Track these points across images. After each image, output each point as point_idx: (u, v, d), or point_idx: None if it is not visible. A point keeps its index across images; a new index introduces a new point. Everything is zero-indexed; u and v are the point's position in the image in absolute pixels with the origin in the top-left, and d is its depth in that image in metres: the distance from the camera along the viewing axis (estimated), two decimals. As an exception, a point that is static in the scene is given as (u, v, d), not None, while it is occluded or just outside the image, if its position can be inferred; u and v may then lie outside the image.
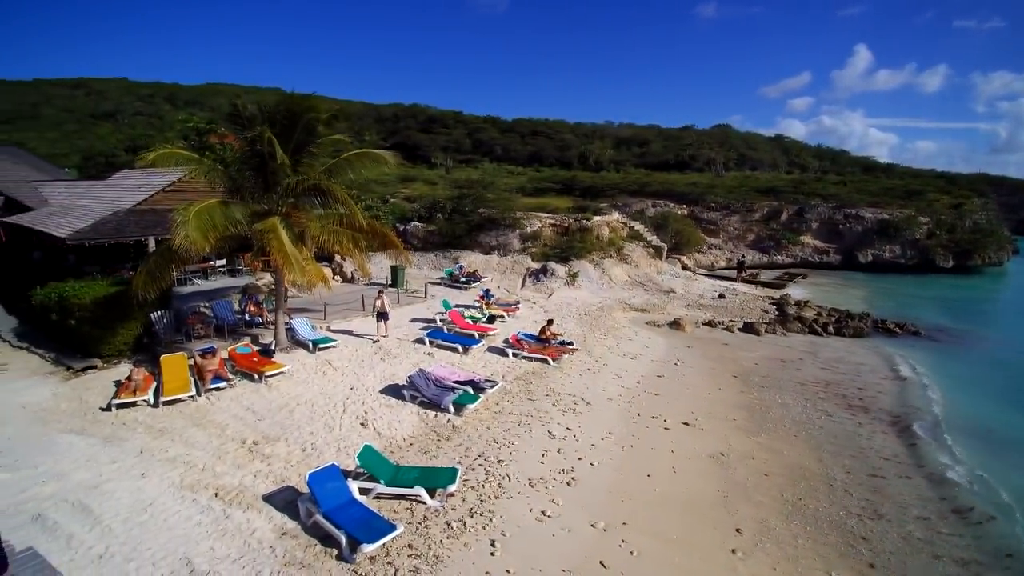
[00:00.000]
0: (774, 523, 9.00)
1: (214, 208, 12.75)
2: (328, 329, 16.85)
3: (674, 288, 26.15)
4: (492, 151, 68.46)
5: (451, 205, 31.00)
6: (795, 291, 29.27)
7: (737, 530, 8.72)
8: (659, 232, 33.29)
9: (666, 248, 31.78)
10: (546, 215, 31.79)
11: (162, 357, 13.15)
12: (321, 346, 15.15)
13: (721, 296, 24.98)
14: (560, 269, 25.51)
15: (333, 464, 8.71)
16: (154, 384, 12.30)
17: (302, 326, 15.99)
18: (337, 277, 23.91)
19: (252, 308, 17.04)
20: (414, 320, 18.56)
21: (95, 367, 13.71)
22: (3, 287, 19.52)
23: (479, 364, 14.77)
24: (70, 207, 20.14)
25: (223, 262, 21.22)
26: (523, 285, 25.18)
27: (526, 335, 16.35)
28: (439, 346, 15.88)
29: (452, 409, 11.65)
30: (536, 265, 26.59)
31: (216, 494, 8.71)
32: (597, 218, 31.14)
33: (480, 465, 9.74)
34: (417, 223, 30.56)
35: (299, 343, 15.52)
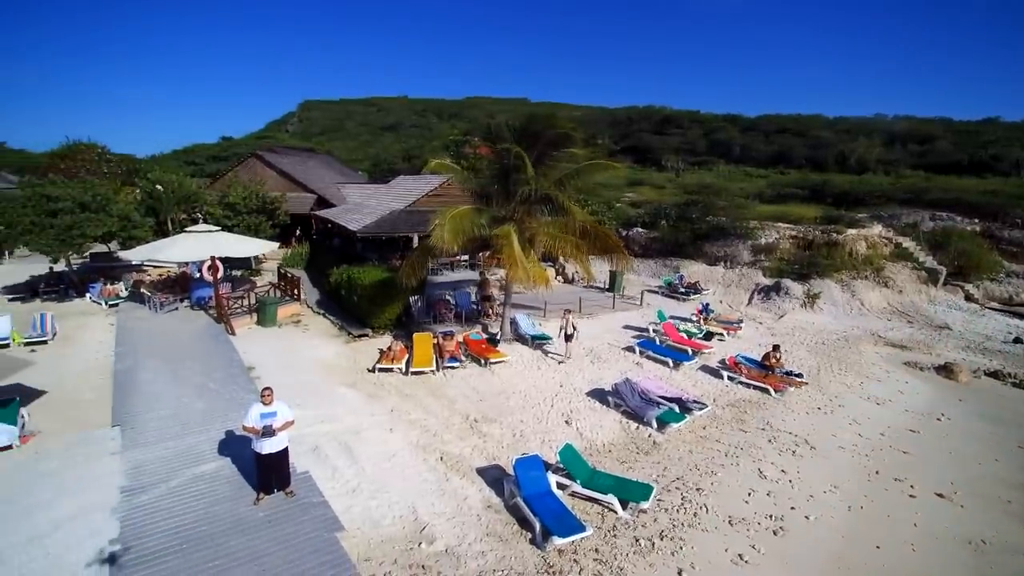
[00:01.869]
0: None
1: (465, 214, 14.79)
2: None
3: (949, 323, 21.12)
4: (729, 152, 63.79)
5: (677, 212, 30.05)
6: None
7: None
8: (936, 252, 27.03)
9: (944, 273, 25.64)
10: (786, 225, 28.57)
11: (415, 335, 15.76)
12: (538, 341, 16.38)
13: (1018, 341, 19.30)
14: (796, 288, 22.77)
15: (537, 455, 9.49)
16: (406, 356, 14.87)
17: (524, 321, 17.50)
18: (559, 278, 25.35)
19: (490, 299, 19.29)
20: (626, 327, 18.70)
21: (368, 335, 17.15)
22: (312, 266, 25.53)
23: (689, 382, 14.26)
24: (361, 205, 25.27)
25: (466, 257, 24.30)
26: (749, 302, 23.23)
27: (746, 358, 15.17)
28: (649, 357, 15.76)
29: (655, 424, 11.57)
30: (767, 281, 24.20)
31: (441, 458, 10.26)
32: (852, 231, 26.71)
33: (677, 488, 9.53)
34: (640, 229, 30.39)
35: (520, 336, 17.03)
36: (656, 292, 24.11)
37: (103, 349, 15.38)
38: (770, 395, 13.64)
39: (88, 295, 20.50)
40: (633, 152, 68.81)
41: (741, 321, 19.43)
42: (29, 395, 12.05)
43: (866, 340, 19.07)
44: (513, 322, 17.35)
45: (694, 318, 19.31)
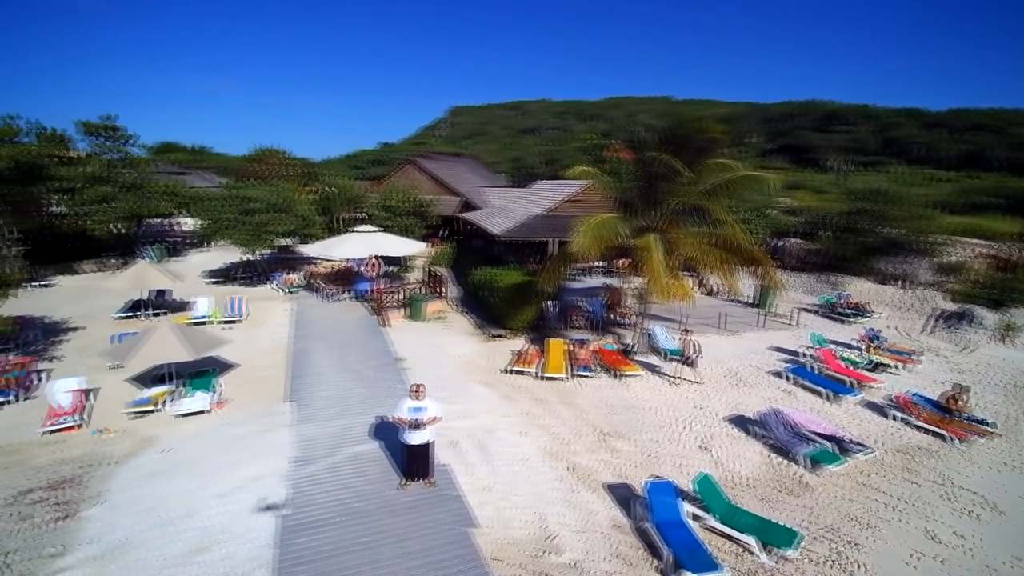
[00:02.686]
0: None
1: (606, 222, 14.69)
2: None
3: None
4: (907, 151, 55.65)
5: (841, 221, 26.81)
6: None
7: None
8: None
9: None
10: (978, 241, 24.26)
11: (548, 340, 16.05)
12: (674, 357, 15.74)
13: None
14: (990, 317, 19.20)
15: (670, 481, 9.17)
16: (539, 360, 15.21)
17: (660, 334, 16.95)
18: (700, 289, 24.10)
19: (618, 308, 19.01)
20: (774, 348, 17.24)
21: (503, 336, 17.81)
22: (456, 265, 27.07)
23: (849, 419, 12.74)
24: (502, 209, 26.25)
25: (602, 263, 24.16)
26: (927, 330, 20.07)
27: (921, 397, 13.18)
28: (800, 385, 14.37)
29: (807, 463, 10.53)
30: (952, 307, 20.71)
31: (570, 469, 10.35)
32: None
33: (828, 539, 8.60)
34: (795, 239, 27.68)
35: (655, 349, 16.53)
36: (812, 311, 21.86)
37: (281, 331, 17.82)
38: (949, 444, 11.70)
39: (271, 283, 23.87)
40: (789, 152, 63.09)
41: (918, 353, 16.84)
42: (222, 368, 14.39)
43: (1091, 389, 15.48)
44: (649, 334, 16.89)
45: (858, 344, 17.18)
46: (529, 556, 7.95)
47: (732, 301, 22.44)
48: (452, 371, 14.94)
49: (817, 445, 10.85)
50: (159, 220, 33.38)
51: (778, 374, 15.07)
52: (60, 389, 12.12)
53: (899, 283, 23.64)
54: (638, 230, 15.03)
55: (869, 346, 16.84)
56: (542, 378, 14.43)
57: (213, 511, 8.66)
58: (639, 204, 15.50)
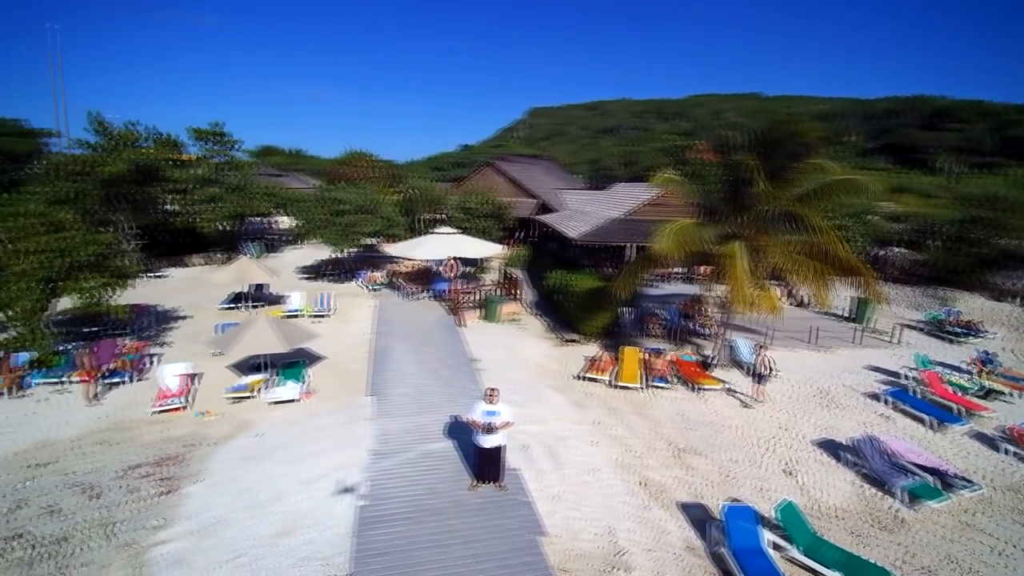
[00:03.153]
0: None
1: (689, 228, 14.19)
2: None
3: None
4: (1031, 151, 49.53)
5: (952, 229, 24.28)
6: None
7: None
8: None
9: None
10: None
11: (623, 347, 15.76)
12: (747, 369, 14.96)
13: None
14: None
15: (750, 506, 8.70)
16: (613, 368, 14.96)
17: (743, 347, 16.15)
18: (789, 300, 22.72)
19: (699, 318, 18.31)
20: (871, 368, 15.92)
21: (577, 341, 17.68)
22: (531, 267, 27.19)
23: (954, 450, 11.51)
24: (579, 212, 26.07)
25: (683, 270, 23.38)
26: (1058, 355, 17.76)
27: (1046, 432, 11.69)
28: (900, 410, 13.17)
29: (904, 497, 9.65)
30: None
31: (642, 483, 10.09)
32: None
33: (928, 583, 7.84)
34: (899, 249, 25.38)
35: (736, 363, 15.78)
36: (916, 328, 19.97)
37: (365, 327, 18.69)
38: (1083, 488, 10.28)
39: (356, 280, 25.10)
40: (893, 151, 58.11)
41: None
42: (311, 359, 15.30)
43: None
44: (731, 346, 16.14)
45: (969, 368, 15.51)
46: (597, 571, 7.83)
47: (825, 314, 20.98)
48: (525, 374, 15.02)
49: (917, 478, 9.90)
50: (259, 219, 36.06)
51: (875, 396, 13.90)
52: (169, 373, 13.38)
53: (1018, 300, 21.08)
54: (722, 236, 14.39)
55: (981, 370, 15.15)
56: (615, 386, 14.19)
57: (299, 496, 9.24)
58: (724, 209, 14.83)
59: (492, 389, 9.30)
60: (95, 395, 12.98)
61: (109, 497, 9.32)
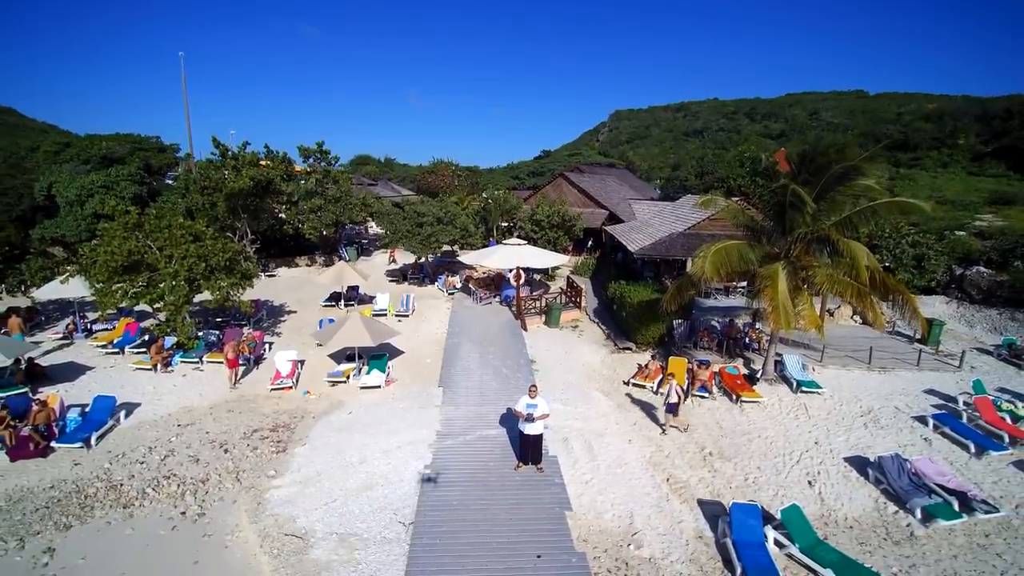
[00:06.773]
0: None
1: (732, 249, 15.04)
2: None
3: None
4: None
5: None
6: None
7: None
8: None
9: None
10: None
11: (671, 357, 16.86)
12: (804, 389, 15.46)
13: None
14: None
15: (757, 505, 9.78)
16: (660, 377, 16.13)
17: (792, 363, 16.65)
18: (856, 317, 22.44)
19: (751, 332, 18.90)
20: (929, 391, 15.84)
21: (630, 349, 18.93)
22: (597, 276, 28.51)
23: (990, 477, 11.57)
24: (645, 224, 27.06)
25: (744, 284, 23.75)
26: None
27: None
28: (944, 434, 13.30)
29: (919, 515, 10.17)
30: None
31: (667, 479, 11.37)
32: None
33: (922, 592, 8.56)
34: (982, 268, 23.94)
35: (784, 378, 16.35)
36: (991, 353, 19.21)
37: (440, 327, 21.03)
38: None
39: (435, 284, 27.69)
40: (1011, 155, 52.78)
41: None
42: (393, 353, 17.75)
43: None
44: (779, 362, 16.73)
45: (1033, 397, 15.07)
46: (612, 544, 9.34)
47: (893, 334, 20.66)
48: (576, 377, 16.58)
49: (936, 499, 10.38)
50: (354, 225, 40.02)
51: (922, 419, 14.05)
52: (282, 358, 16.29)
53: None
54: (767, 257, 15.14)
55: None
56: (659, 393, 15.35)
57: (379, 462, 11.49)
58: (771, 231, 15.54)
59: (533, 386, 11.10)
60: (237, 381, 15.91)
61: (236, 451, 12.05)
